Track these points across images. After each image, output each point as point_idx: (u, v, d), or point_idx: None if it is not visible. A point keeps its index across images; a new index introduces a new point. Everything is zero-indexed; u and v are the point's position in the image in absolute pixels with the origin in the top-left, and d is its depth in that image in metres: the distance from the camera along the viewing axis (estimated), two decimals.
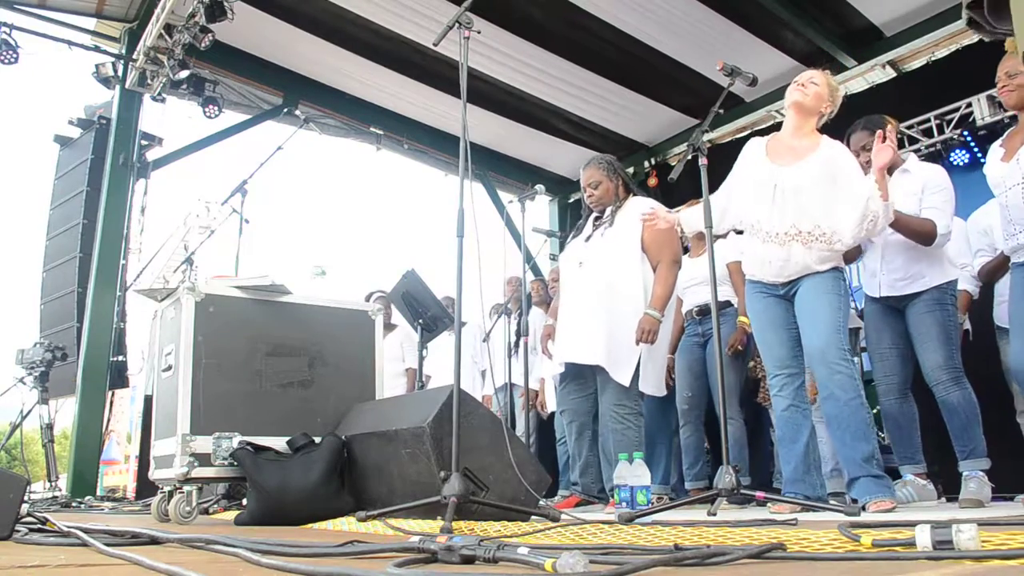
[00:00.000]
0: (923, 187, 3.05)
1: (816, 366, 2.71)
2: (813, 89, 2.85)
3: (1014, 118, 2.90)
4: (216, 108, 6.18)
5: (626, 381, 3.16)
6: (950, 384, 2.92)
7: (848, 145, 3.15)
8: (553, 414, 4.93)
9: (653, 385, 3.29)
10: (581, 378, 3.39)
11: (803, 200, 2.73)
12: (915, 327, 3.05)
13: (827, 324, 2.68)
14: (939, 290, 3.02)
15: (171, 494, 2.76)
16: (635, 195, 3.53)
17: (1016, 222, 2.71)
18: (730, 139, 7.20)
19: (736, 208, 2.98)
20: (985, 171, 2.90)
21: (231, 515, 3.00)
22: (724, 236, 3.92)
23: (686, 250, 4.09)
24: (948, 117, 5.44)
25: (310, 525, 2.55)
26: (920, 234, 2.96)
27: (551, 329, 3.67)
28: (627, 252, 3.30)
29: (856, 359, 4.20)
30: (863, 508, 2.46)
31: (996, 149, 2.85)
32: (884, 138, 2.61)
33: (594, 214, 3.54)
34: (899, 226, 2.93)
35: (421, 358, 4.46)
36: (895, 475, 3.06)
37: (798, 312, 2.81)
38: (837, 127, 3.05)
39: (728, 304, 3.92)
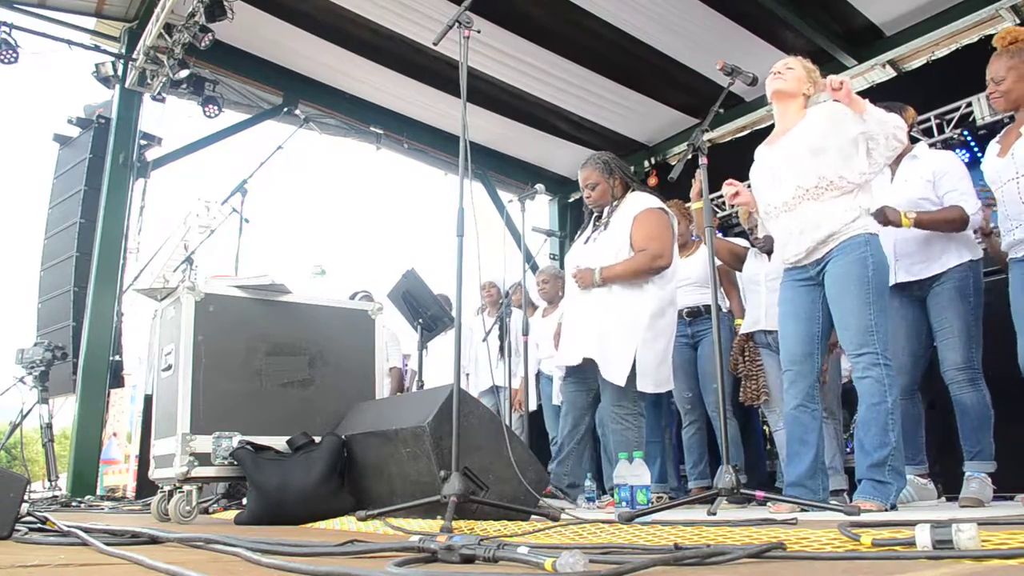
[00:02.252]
0: (934, 173, 3.01)
1: (852, 364, 2.65)
2: (791, 74, 2.84)
3: (1014, 116, 2.90)
4: (216, 108, 6.17)
5: (621, 381, 3.11)
6: (966, 385, 2.88)
7: None
8: (540, 412, 4.95)
9: (652, 382, 3.19)
10: (583, 373, 3.36)
11: (797, 162, 2.69)
12: (936, 320, 2.98)
13: (859, 327, 2.57)
14: (960, 273, 2.94)
15: (171, 493, 2.76)
16: (634, 191, 3.48)
17: (1012, 217, 2.70)
18: (730, 138, 7.19)
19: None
20: (982, 167, 2.90)
21: (231, 515, 3.00)
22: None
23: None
24: (948, 116, 5.44)
25: (310, 524, 2.55)
26: (951, 222, 2.90)
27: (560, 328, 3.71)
28: (618, 252, 3.27)
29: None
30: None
31: (993, 145, 2.85)
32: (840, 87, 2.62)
33: (596, 214, 3.52)
34: (929, 225, 2.88)
35: (421, 357, 4.47)
36: None
37: (828, 299, 2.68)
38: None
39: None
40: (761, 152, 2.93)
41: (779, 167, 2.78)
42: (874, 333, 2.56)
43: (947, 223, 2.92)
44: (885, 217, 2.86)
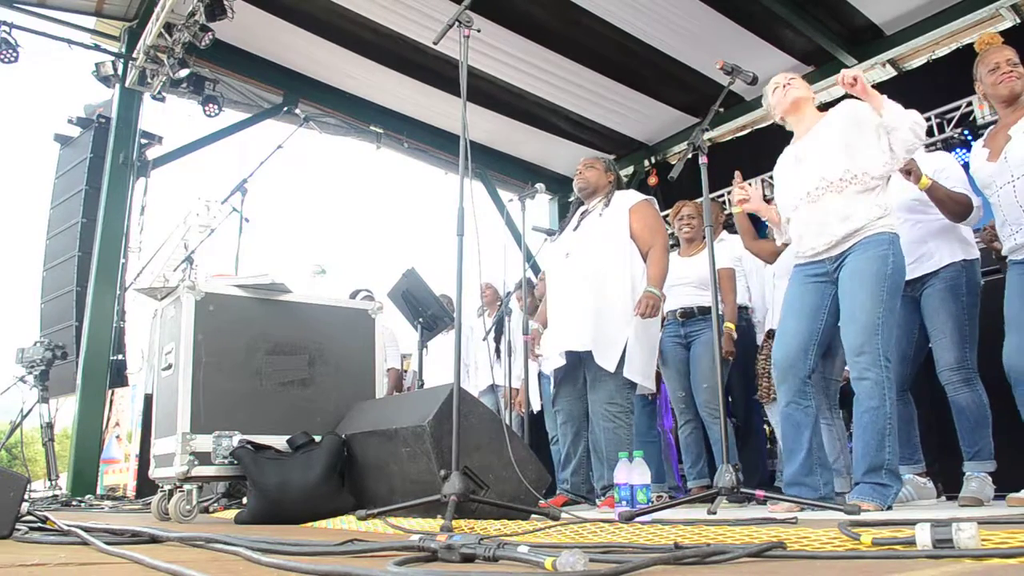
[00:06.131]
0: (934, 171, 2.97)
1: (850, 363, 2.62)
2: (796, 81, 2.86)
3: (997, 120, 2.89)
4: (216, 107, 6.18)
5: (611, 367, 3.18)
6: (960, 385, 2.86)
7: None
8: (542, 412, 4.95)
9: (640, 373, 3.26)
10: (574, 379, 3.44)
11: (824, 153, 2.67)
12: (929, 320, 2.95)
13: (865, 324, 2.52)
14: (953, 272, 2.92)
15: (171, 493, 2.76)
16: (622, 189, 3.62)
17: (1011, 222, 2.67)
18: (730, 138, 7.20)
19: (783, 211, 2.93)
20: (972, 173, 2.87)
21: (231, 514, 3.00)
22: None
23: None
24: (948, 116, 5.45)
25: (310, 524, 2.55)
26: (958, 204, 2.87)
27: (536, 334, 3.75)
28: (615, 239, 3.35)
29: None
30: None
31: (980, 149, 2.82)
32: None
33: (581, 208, 3.61)
34: (939, 196, 2.85)
35: (421, 357, 4.47)
36: None
37: (841, 293, 2.64)
38: None
39: (709, 310, 3.89)
40: (786, 151, 2.92)
41: (805, 156, 2.74)
42: (878, 333, 2.53)
43: (954, 203, 2.88)
44: (910, 169, 2.84)
